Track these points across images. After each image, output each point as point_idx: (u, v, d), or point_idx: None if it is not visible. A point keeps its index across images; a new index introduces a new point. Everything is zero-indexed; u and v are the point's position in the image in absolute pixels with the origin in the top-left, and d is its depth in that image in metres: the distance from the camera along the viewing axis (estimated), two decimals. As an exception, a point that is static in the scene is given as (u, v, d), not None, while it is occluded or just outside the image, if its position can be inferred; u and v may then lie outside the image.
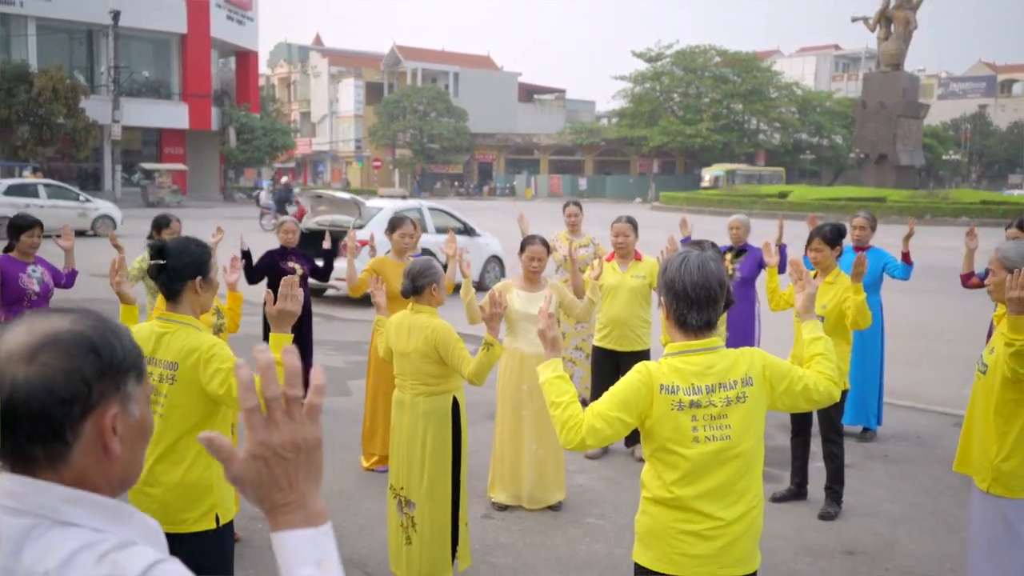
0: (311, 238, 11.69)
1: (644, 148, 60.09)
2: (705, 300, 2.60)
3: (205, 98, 43.00)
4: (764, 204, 37.05)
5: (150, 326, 3.05)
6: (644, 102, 61.14)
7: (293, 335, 3.00)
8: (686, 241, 6.82)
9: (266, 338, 6.88)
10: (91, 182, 38.45)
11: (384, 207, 13.63)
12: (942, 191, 43.89)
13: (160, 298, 3.26)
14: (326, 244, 7.49)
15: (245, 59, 48.21)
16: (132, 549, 1.08)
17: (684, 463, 2.60)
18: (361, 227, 11.99)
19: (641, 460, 5.59)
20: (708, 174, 53.07)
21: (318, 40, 79.15)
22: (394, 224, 6.34)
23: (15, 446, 1.11)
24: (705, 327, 2.63)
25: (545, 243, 5.49)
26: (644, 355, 6.06)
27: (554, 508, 5.43)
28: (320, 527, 1.07)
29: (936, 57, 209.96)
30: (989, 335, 5.11)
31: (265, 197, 30.08)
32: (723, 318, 3.13)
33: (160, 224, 6.50)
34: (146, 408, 1.21)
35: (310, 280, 7.31)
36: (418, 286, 4.20)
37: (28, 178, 26.89)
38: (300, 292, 2.99)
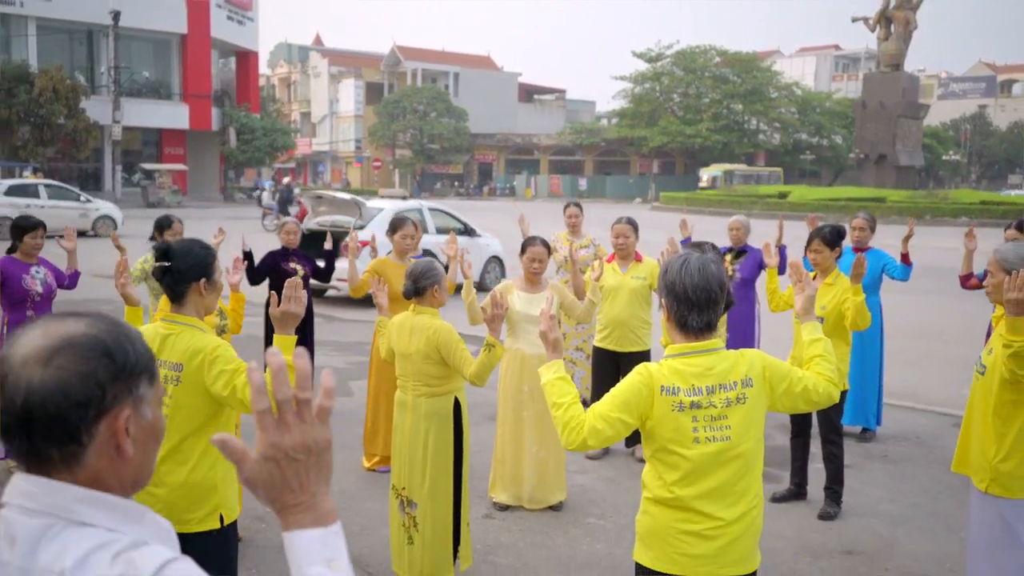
0: (312, 239, 11.71)
1: (644, 148, 60.11)
2: (706, 302, 2.62)
3: (205, 98, 43.03)
4: (764, 204, 37.08)
5: (154, 327, 3.07)
6: (644, 102, 61.17)
7: (297, 336, 3.02)
8: (686, 242, 6.84)
9: (268, 339, 6.91)
10: (91, 182, 38.48)
11: (385, 208, 13.64)
12: (942, 191, 43.94)
13: (164, 299, 3.28)
14: (327, 245, 7.51)
15: (245, 59, 48.23)
16: (146, 548, 1.10)
17: (685, 463, 2.62)
18: (362, 228, 12.00)
19: (641, 460, 5.62)
20: (706, 174, 53.05)
21: (318, 40, 79.18)
22: (395, 225, 6.36)
23: (31, 447, 1.14)
24: (706, 329, 2.66)
25: (546, 244, 5.50)
26: (644, 356, 6.08)
27: (555, 508, 5.45)
28: (330, 527, 1.10)
29: (936, 57, 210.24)
30: (988, 336, 5.13)
31: (268, 198, 30.11)
32: (723, 319, 3.15)
33: (162, 225, 6.52)
34: (158, 410, 1.24)
35: (311, 281, 7.34)
36: (420, 287, 4.23)
37: (29, 178, 26.92)
38: (304, 294, 3.01)
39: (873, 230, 6.83)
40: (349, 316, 12.18)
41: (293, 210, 24.60)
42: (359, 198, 14.47)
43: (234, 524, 3.11)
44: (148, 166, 39.43)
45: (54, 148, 34.87)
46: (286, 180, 32.31)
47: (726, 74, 60.22)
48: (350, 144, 68.01)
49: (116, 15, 37.31)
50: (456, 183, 64.36)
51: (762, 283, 6.10)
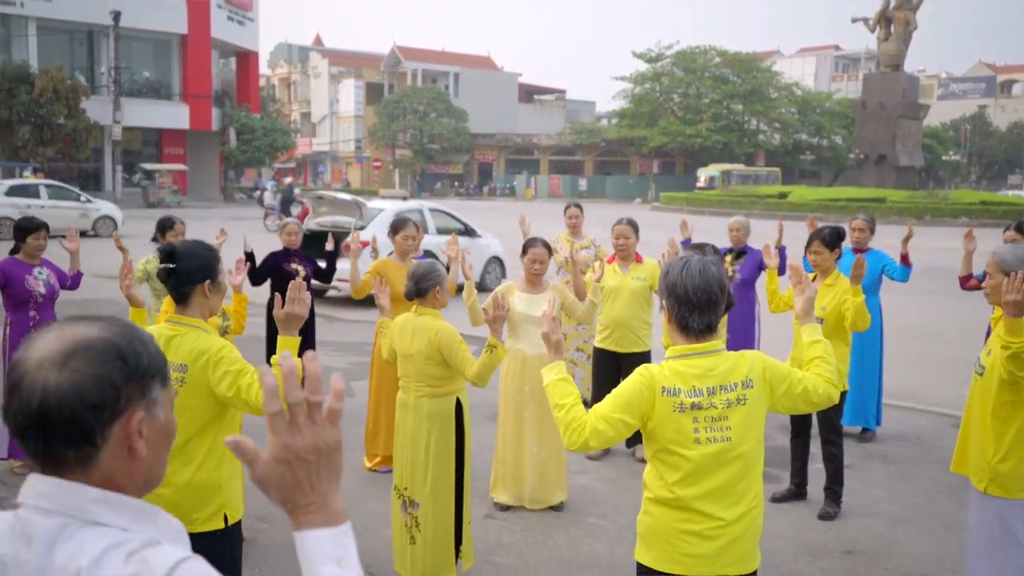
0: (312, 239, 11.73)
1: (644, 148, 60.13)
2: (706, 304, 2.64)
3: (205, 98, 43.05)
4: (764, 205, 37.10)
5: (159, 329, 3.09)
6: (644, 102, 61.17)
7: (300, 337, 3.04)
8: (686, 243, 6.86)
9: (271, 340, 6.92)
10: (92, 182, 38.51)
11: (385, 208, 13.66)
12: (941, 192, 43.95)
13: (167, 300, 3.30)
14: (329, 246, 7.52)
15: (245, 59, 48.25)
16: (159, 547, 1.13)
17: (685, 464, 2.65)
18: (363, 228, 12.03)
19: (642, 461, 5.64)
20: (703, 175, 52.98)
21: (318, 40, 79.19)
22: (397, 226, 6.38)
23: (47, 449, 1.16)
24: (706, 330, 2.68)
25: (547, 245, 5.52)
26: (645, 356, 6.10)
27: (556, 508, 5.47)
28: (340, 526, 1.12)
29: (936, 57, 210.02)
30: (987, 337, 5.15)
31: (269, 198, 30.11)
32: (723, 320, 3.17)
33: (164, 226, 6.53)
34: (170, 412, 1.26)
35: (313, 281, 7.35)
36: (422, 288, 4.25)
37: (29, 179, 26.94)
38: (307, 295, 3.03)
39: (873, 231, 6.85)
40: (350, 316, 12.19)
41: (295, 210, 24.62)
42: (360, 199, 14.49)
43: (238, 524, 3.13)
44: (148, 166, 39.45)
45: (54, 148, 34.90)
46: (288, 180, 32.31)
47: (726, 74, 60.23)
48: (350, 144, 68.02)
49: (116, 15, 37.34)
50: (456, 183, 64.37)
51: (762, 284, 6.12)
